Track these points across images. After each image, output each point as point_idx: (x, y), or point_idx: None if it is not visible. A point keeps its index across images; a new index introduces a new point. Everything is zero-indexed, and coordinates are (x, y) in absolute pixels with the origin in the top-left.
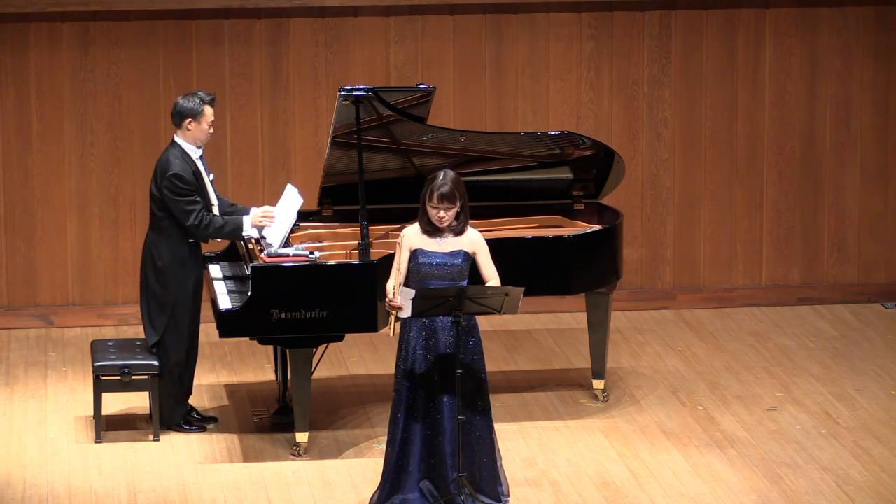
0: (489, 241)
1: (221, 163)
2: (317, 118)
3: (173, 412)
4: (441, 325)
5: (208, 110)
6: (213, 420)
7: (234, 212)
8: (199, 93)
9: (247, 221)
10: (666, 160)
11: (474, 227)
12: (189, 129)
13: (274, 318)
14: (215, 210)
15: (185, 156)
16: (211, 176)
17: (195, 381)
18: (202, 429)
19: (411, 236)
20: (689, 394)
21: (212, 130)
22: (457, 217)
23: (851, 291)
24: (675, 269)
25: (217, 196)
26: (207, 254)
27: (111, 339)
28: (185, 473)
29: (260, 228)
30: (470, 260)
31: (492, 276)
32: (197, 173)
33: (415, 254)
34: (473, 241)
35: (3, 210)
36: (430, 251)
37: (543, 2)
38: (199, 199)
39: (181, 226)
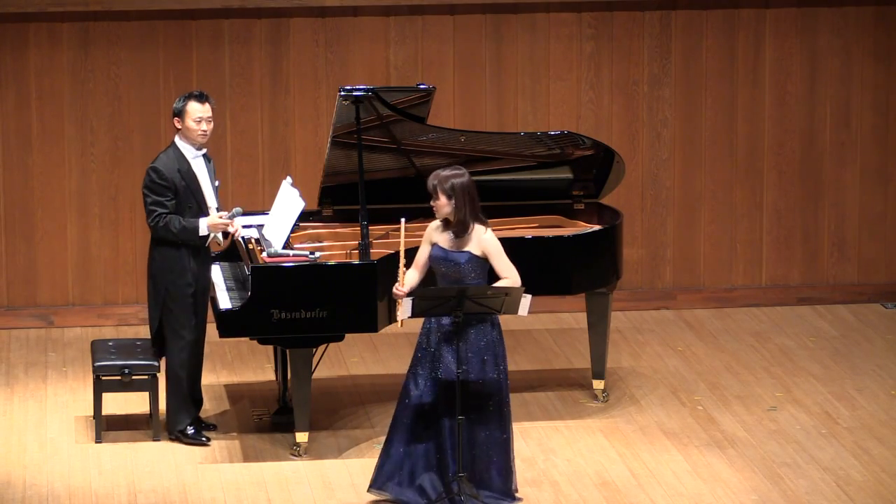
0: None
1: (221, 163)
2: (317, 118)
3: (175, 418)
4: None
5: (191, 106)
6: (212, 427)
7: None
8: (193, 91)
9: (202, 224)
10: (666, 160)
11: None
12: (178, 128)
13: (274, 318)
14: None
15: (178, 154)
16: (216, 182)
17: None
18: (206, 441)
19: (433, 229)
20: (689, 394)
21: (204, 127)
22: (458, 215)
23: (851, 291)
24: (675, 269)
25: (218, 204)
26: (217, 244)
27: (111, 339)
28: (185, 473)
29: (224, 233)
30: (479, 262)
31: (506, 276)
32: (186, 174)
33: (433, 247)
34: (481, 243)
35: (3, 210)
36: (441, 246)
37: (543, 2)
38: (168, 201)
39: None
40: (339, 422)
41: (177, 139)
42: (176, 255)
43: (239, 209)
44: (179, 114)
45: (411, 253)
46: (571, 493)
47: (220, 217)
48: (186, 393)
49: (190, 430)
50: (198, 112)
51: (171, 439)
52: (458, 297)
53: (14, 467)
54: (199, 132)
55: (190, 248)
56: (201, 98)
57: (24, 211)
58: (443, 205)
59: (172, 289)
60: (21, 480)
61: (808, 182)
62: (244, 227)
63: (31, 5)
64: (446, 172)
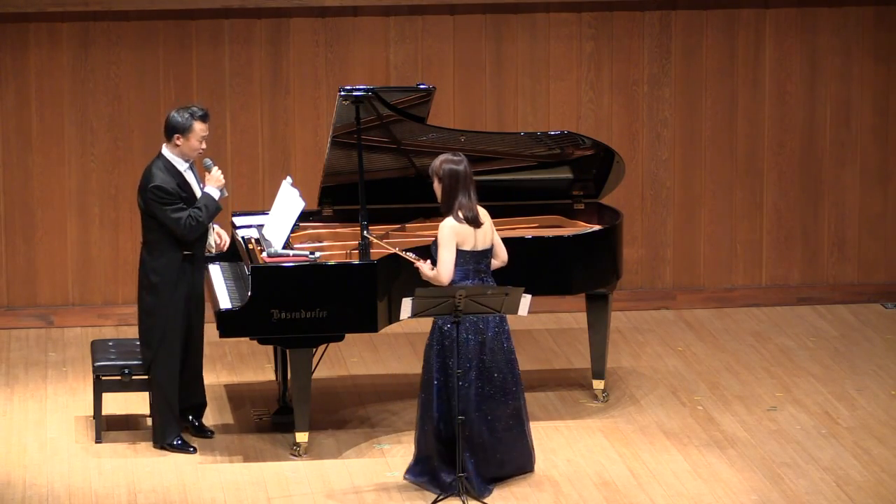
0: None
1: (221, 163)
2: (317, 118)
3: (162, 432)
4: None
5: (198, 126)
6: (210, 433)
7: None
8: (193, 107)
9: (211, 192)
10: (666, 160)
11: None
12: (178, 145)
13: (274, 318)
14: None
15: (170, 168)
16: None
17: None
18: (193, 450)
19: None
20: (689, 394)
21: (203, 146)
22: (440, 198)
23: (851, 291)
24: (675, 269)
25: None
26: (207, 254)
27: (111, 339)
28: (185, 473)
29: (221, 187)
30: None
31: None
32: (183, 185)
33: None
34: (439, 228)
35: (3, 210)
36: None
37: (543, 2)
38: (184, 206)
39: (174, 235)
40: (339, 422)
41: (167, 152)
42: (179, 266)
43: (208, 159)
44: (183, 132)
45: (386, 261)
46: (571, 493)
47: (210, 173)
48: (173, 405)
49: (177, 442)
50: (203, 132)
51: (158, 448)
52: (457, 296)
53: (14, 467)
54: (199, 150)
55: (187, 256)
56: (205, 117)
57: (24, 211)
58: (436, 186)
59: (174, 299)
60: (21, 480)
61: (808, 182)
62: (244, 227)
63: (31, 5)
64: (445, 157)
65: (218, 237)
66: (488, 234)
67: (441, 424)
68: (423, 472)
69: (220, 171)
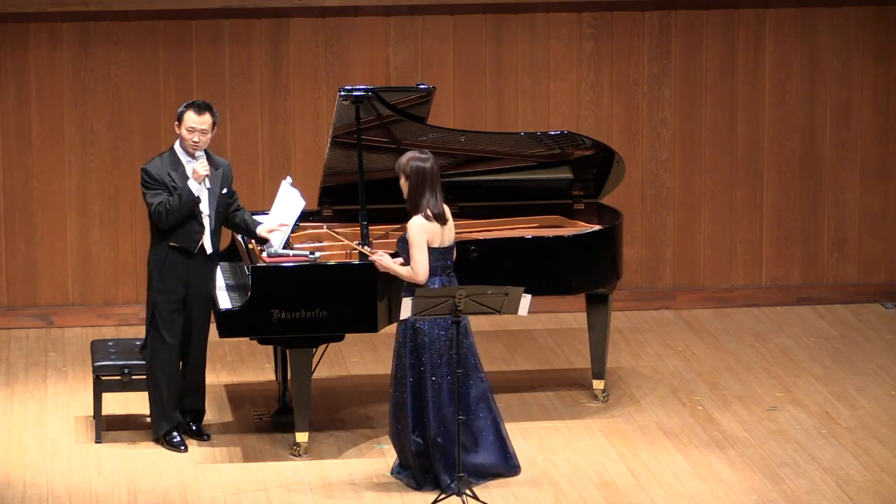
0: (489, 242)
1: None
2: (317, 118)
3: (155, 425)
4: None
5: (188, 116)
6: (206, 437)
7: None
8: (198, 100)
9: (190, 183)
10: (666, 160)
11: (474, 227)
12: (177, 132)
13: (274, 318)
14: (206, 221)
15: (173, 158)
16: (224, 190)
17: None
18: (184, 448)
19: None
20: (689, 394)
21: (196, 138)
22: (407, 195)
23: (851, 291)
24: (675, 269)
25: (217, 210)
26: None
27: (111, 339)
28: (185, 473)
29: (200, 181)
30: (408, 246)
31: (409, 266)
32: (180, 178)
33: None
34: (408, 228)
35: (3, 210)
36: None
37: (543, 2)
38: (164, 192)
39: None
40: (339, 422)
41: (176, 143)
42: (165, 256)
43: (200, 152)
44: (178, 119)
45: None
46: (571, 493)
47: (196, 166)
48: (166, 399)
49: (175, 438)
50: (192, 122)
51: (157, 442)
52: (457, 296)
53: (14, 467)
54: (191, 142)
55: (181, 250)
56: (200, 109)
57: (24, 211)
58: (402, 184)
59: (161, 288)
60: (21, 480)
61: (808, 182)
62: None
63: (31, 5)
64: (412, 154)
65: (194, 172)
66: (452, 231)
67: (416, 423)
68: (405, 467)
69: (203, 165)
